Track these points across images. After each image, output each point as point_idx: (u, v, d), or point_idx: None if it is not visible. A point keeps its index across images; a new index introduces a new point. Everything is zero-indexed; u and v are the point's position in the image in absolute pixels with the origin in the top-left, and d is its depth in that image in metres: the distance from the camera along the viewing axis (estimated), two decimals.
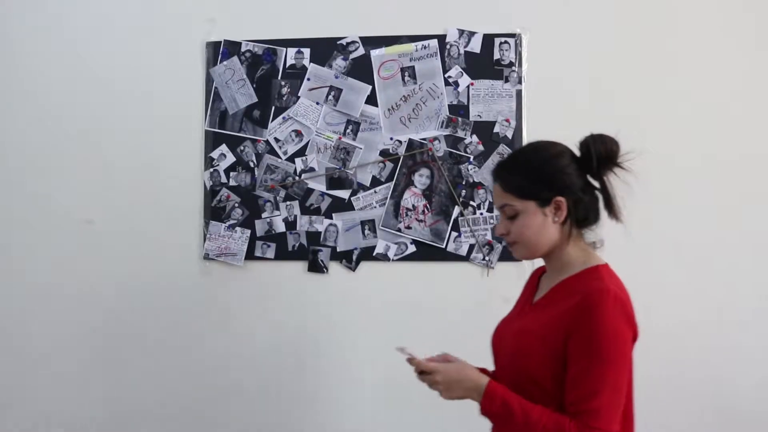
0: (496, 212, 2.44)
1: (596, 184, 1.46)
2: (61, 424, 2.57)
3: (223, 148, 2.54)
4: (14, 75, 2.63)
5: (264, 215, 2.53)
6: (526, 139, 2.44)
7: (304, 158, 2.52)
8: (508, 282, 2.40)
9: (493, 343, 1.60)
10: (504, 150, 2.44)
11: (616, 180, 1.44)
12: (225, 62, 2.55)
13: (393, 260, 2.48)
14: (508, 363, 1.50)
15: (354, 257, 2.49)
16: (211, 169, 2.55)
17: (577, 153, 1.46)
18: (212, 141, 2.55)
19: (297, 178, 2.52)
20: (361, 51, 2.50)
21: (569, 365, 1.35)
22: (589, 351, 1.32)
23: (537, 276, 1.61)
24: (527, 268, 2.38)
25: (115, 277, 2.56)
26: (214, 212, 2.54)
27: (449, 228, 2.45)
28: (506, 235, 1.47)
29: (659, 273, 2.40)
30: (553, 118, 2.43)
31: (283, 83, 2.53)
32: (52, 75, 2.61)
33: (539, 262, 1.58)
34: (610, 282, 1.38)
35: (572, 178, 1.42)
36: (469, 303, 2.45)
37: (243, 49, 2.55)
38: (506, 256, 2.44)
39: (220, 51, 2.55)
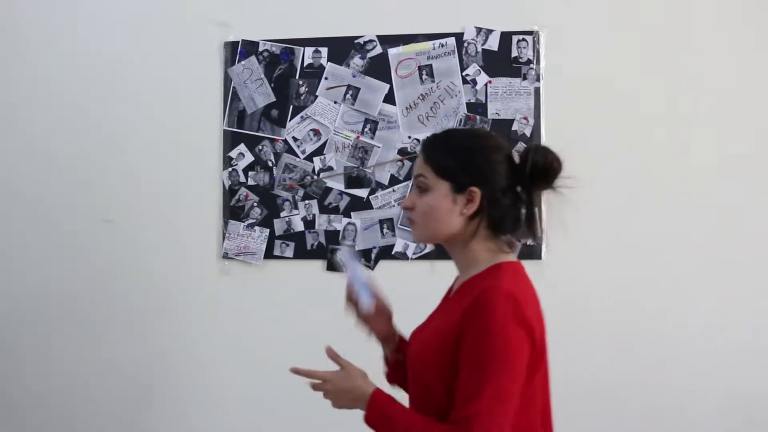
0: None
1: (524, 196, 1.35)
2: (77, 415, 2.60)
3: (242, 147, 2.55)
4: (31, 76, 2.65)
5: (282, 214, 2.53)
6: (545, 136, 2.43)
7: (322, 157, 2.52)
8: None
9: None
10: (522, 148, 2.43)
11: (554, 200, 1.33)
12: (243, 62, 2.56)
13: (412, 259, 2.47)
14: (411, 373, 1.40)
15: (372, 256, 2.49)
16: (230, 169, 2.55)
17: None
18: (230, 140, 2.56)
19: (315, 177, 2.52)
20: (378, 50, 2.51)
21: (459, 371, 1.24)
22: (473, 353, 1.21)
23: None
24: (546, 265, 2.41)
25: (133, 277, 2.58)
26: (232, 211, 2.55)
27: None
28: (410, 210, 1.37)
29: (678, 273, 2.40)
30: (571, 116, 2.43)
31: (300, 82, 2.54)
32: (68, 75, 2.63)
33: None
34: (508, 279, 1.27)
35: (497, 176, 1.31)
36: None
37: (261, 48, 2.55)
38: (526, 254, 2.42)
39: (238, 51, 2.56)
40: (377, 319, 1.54)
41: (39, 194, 2.63)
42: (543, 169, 1.31)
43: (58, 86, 2.63)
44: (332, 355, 1.41)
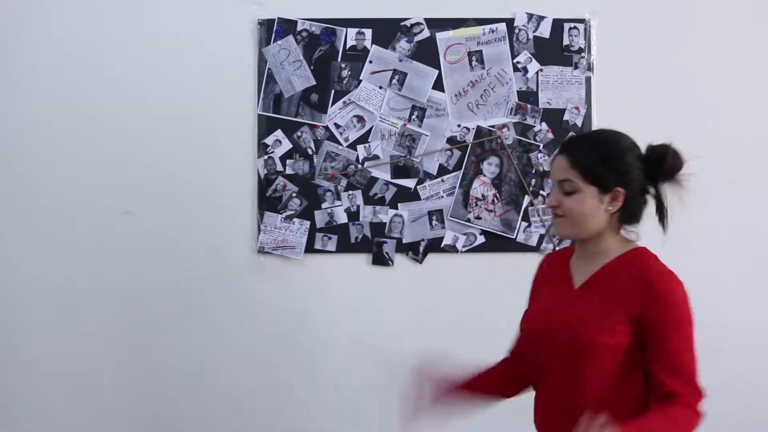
0: None
1: (651, 190, 1.47)
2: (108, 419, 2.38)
3: (279, 133, 2.38)
4: (54, 61, 2.37)
5: (324, 205, 2.38)
6: (596, 127, 2.39)
7: (366, 145, 2.39)
8: None
9: (535, 332, 1.53)
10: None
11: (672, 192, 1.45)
12: (279, 42, 2.38)
13: (462, 251, 2.39)
14: (567, 347, 1.44)
15: (421, 249, 2.39)
16: (266, 157, 2.38)
17: (644, 152, 1.46)
18: (266, 126, 2.38)
19: (359, 166, 2.39)
20: (426, 33, 2.39)
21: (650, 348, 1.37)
22: (673, 336, 1.36)
23: (557, 264, 1.58)
24: None
25: (160, 274, 2.36)
26: (269, 202, 2.38)
27: (519, 218, 2.39)
28: (556, 207, 1.45)
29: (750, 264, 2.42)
30: (623, 106, 2.39)
31: (343, 65, 2.39)
32: (88, 55, 2.37)
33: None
34: (664, 265, 1.43)
35: (637, 175, 1.43)
36: None
37: (299, 28, 2.38)
38: None
39: (273, 29, 2.38)
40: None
41: (50, 183, 2.36)
42: (675, 169, 1.43)
43: (76, 66, 2.36)
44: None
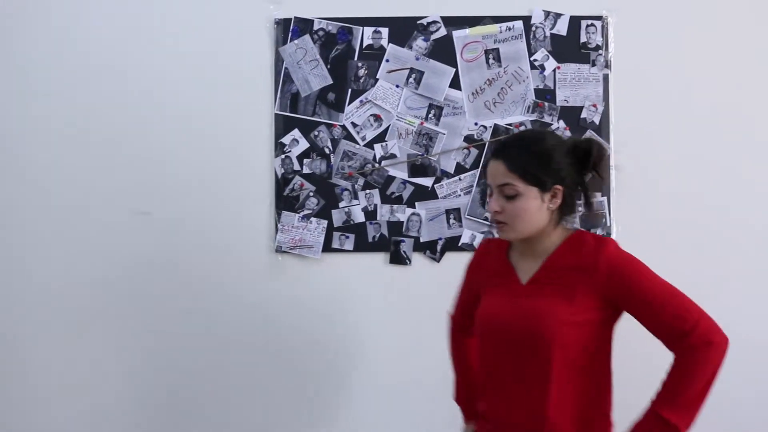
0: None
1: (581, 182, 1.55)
2: (119, 415, 2.38)
3: (296, 133, 2.38)
4: (69, 60, 2.38)
5: (341, 204, 2.38)
6: (614, 124, 2.38)
7: (383, 144, 2.39)
8: None
9: (492, 328, 1.55)
10: (592, 136, 2.38)
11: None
12: (296, 41, 2.38)
13: None
14: (523, 339, 1.47)
15: (438, 248, 2.38)
16: (283, 156, 2.38)
17: (570, 147, 1.53)
18: (283, 125, 2.38)
19: (376, 165, 2.38)
20: (442, 31, 2.38)
21: (640, 316, 1.43)
22: (648, 294, 1.42)
23: (495, 255, 1.62)
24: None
25: (177, 274, 2.37)
26: (286, 202, 2.38)
27: None
28: (499, 213, 1.49)
29: (737, 259, 2.40)
30: (641, 104, 2.39)
31: (359, 64, 2.38)
32: (104, 53, 2.38)
33: None
34: (601, 237, 1.52)
35: (569, 170, 1.50)
36: None
37: (315, 27, 2.38)
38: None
39: (290, 29, 2.38)
40: None
41: (66, 182, 2.37)
42: (598, 158, 1.52)
43: (92, 64, 2.37)
44: None
